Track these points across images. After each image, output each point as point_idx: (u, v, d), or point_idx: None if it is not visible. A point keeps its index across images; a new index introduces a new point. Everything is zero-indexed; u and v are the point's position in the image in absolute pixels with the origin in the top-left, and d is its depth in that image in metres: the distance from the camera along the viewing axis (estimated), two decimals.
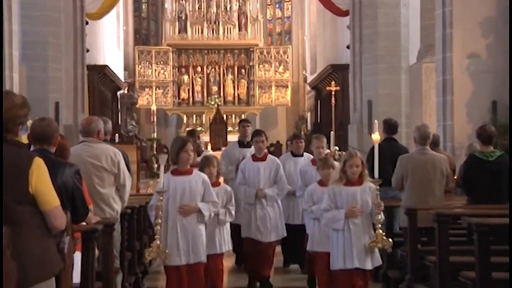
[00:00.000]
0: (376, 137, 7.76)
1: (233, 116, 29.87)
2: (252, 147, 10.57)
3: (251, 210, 9.88)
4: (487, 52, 13.64)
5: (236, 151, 11.36)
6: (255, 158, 10.22)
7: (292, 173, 10.65)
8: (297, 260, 10.99)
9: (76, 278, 5.43)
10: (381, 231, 7.36)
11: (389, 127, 10.76)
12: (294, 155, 11.10)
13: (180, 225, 7.42)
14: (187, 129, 22.33)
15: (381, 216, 7.31)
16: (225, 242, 8.58)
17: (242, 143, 11.41)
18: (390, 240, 7.41)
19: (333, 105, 22.75)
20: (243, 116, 28.88)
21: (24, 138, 6.44)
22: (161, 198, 7.09)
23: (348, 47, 22.18)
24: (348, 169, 7.38)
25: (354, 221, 7.34)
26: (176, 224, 7.40)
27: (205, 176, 7.71)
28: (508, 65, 12.70)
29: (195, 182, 7.47)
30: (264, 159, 10.10)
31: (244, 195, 10.01)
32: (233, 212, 8.56)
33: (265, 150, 10.62)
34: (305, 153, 11.05)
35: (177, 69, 30.97)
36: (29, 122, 6.74)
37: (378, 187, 7.39)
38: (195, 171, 7.66)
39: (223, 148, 17.03)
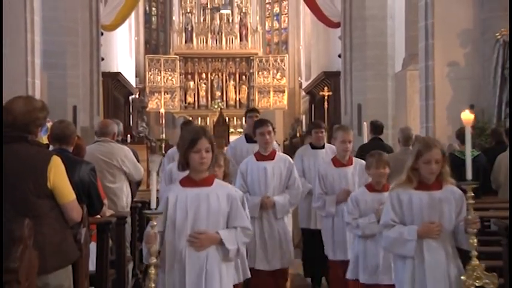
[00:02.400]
0: (467, 116, 5.06)
1: (235, 118, 29.87)
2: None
3: (254, 226, 6.07)
4: (465, 61, 13.66)
5: (243, 147, 8.47)
6: (259, 156, 7.26)
7: (312, 168, 8.28)
8: (319, 272, 8.46)
9: (92, 265, 5.44)
10: (477, 261, 4.63)
11: (376, 128, 10.85)
12: (314, 147, 8.57)
13: (190, 264, 4.45)
14: (183, 119, 21.72)
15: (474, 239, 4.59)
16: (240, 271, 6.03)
17: (250, 138, 8.38)
18: (495, 274, 4.69)
19: (326, 108, 22.76)
20: (243, 120, 28.87)
21: (44, 139, 6.45)
22: (154, 223, 4.30)
23: (339, 55, 22.17)
24: (422, 166, 4.78)
25: (430, 243, 4.69)
26: (184, 262, 4.45)
27: (233, 189, 4.79)
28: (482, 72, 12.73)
29: (215, 198, 4.52)
30: (271, 157, 7.20)
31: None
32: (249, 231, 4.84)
33: (276, 146, 8.32)
34: (327, 145, 8.59)
35: (183, 76, 31.03)
36: (49, 124, 6.75)
37: (472, 194, 4.79)
38: (217, 181, 4.75)
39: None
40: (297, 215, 8.97)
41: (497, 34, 12.86)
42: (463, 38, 13.68)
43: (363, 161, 6.67)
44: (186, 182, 4.59)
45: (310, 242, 8.44)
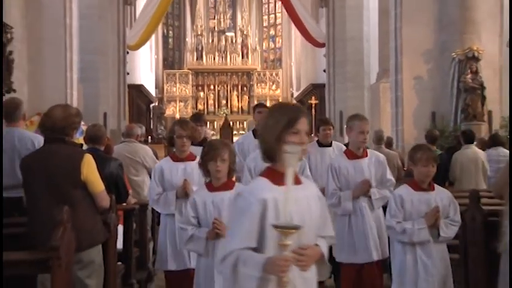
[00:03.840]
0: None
1: (237, 122, 29.78)
2: None
3: None
4: (428, 75, 13.71)
5: (251, 143, 6.69)
6: None
7: (319, 166, 6.82)
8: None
9: (119, 244, 5.46)
10: None
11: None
12: (321, 144, 6.95)
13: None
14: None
15: None
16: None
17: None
18: None
19: (313, 115, 22.74)
20: (245, 123, 28.94)
21: (80, 140, 6.48)
22: (289, 243, 2.46)
23: (324, 70, 22.18)
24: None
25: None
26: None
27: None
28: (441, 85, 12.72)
29: (312, 199, 2.91)
30: None
31: None
32: None
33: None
34: (334, 143, 7.14)
35: (195, 87, 31.07)
36: (84, 127, 6.79)
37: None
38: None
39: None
40: None
41: (453, 54, 12.92)
42: (426, 57, 13.72)
43: (380, 154, 5.54)
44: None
45: None
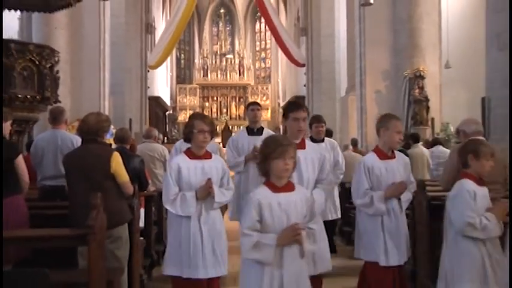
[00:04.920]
0: None
1: (235, 126, 29.80)
2: (264, 134, 5.64)
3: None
4: (385, 90, 13.74)
5: (245, 140, 5.80)
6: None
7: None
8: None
9: (141, 223, 5.45)
10: None
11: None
12: (314, 140, 5.96)
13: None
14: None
15: None
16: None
17: (251, 130, 5.89)
18: None
19: None
20: (241, 127, 28.86)
21: (110, 140, 6.46)
22: None
23: (304, 85, 22.22)
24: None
25: None
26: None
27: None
28: (395, 97, 12.76)
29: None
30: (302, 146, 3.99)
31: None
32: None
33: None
34: (326, 139, 6.32)
35: (201, 99, 31.08)
36: (114, 130, 6.77)
37: None
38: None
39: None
40: None
41: (405, 73, 12.99)
42: (384, 75, 13.76)
43: (404, 156, 4.39)
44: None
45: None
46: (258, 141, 4.56)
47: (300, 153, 3.35)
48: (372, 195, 4.03)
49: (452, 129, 12.05)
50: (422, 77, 12.79)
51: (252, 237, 2.79)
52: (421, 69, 12.79)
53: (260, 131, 5.92)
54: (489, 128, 8.76)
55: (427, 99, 12.71)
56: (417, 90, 12.74)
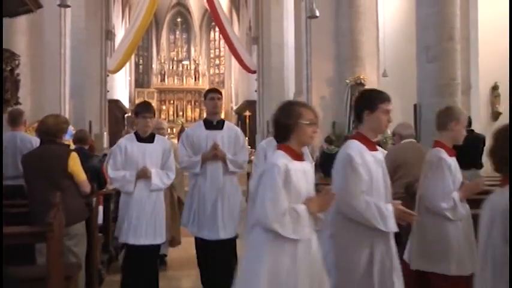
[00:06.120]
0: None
1: None
2: (225, 128, 4.51)
3: None
4: (329, 95, 13.97)
5: (202, 135, 4.46)
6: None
7: None
8: None
9: (100, 220, 5.34)
10: None
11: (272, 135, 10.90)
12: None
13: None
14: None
15: None
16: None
17: (210, 123, 4.52)
18: None
19: (248, 124, 22.86)
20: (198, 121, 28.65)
21: (68, 141, 6.28)
22: None
23: (255, 90, 22.32)
24: None
25: None
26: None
27: None
28: (339, 103, 13.00)
29: None
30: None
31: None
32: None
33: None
34: None
35: (159, 102, 30.65)
36: (74, 131, 6.59)
37: None
38: None
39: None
40: None
41: (347, 80, 13.24)
42: (328, 82, 13.99)
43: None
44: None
45: None
46: (218, 136, 4.40)
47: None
48: (453, 197, 3.20)
49: (389, 132, 12.42)
50: (362, 85, 13.08)
51: (296, 212, 2.28)
52: (361, 77, 13.09)
53: (220, 124, 4.50)
54: (420, 131, 9.10)
55: None
56: None
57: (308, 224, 2.32)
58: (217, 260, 4.33)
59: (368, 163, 2.63)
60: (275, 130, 2.53)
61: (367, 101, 2.81)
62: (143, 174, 4.26)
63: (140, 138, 4.35)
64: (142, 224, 4.26)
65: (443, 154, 3.26)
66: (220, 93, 4.63)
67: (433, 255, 3.23)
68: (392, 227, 2.54)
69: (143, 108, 4.36)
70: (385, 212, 2.53)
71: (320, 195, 2.38)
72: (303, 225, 2.30)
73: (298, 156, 2.45)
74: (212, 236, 4.34)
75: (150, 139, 4.36)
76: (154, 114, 4.47)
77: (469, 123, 6.74)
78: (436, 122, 3.44)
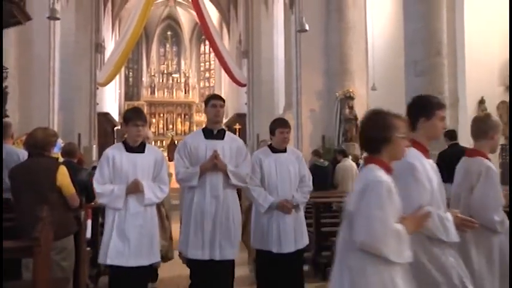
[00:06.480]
0: None
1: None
2: (226, 138, 4.11)
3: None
4: (319, 109, 14.03)
5: (201, 144, 4.05)
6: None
7: (273, 175, 4.30)
8: None
9: (88, 234, 5.28)
10: None
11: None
12: (275, 150, 4.46)
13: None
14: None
15: None
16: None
17: (209, 132, 4.11)
18: None
19: (238, 136, 22.83)
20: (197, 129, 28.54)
21: (57, 154, 6.23)
22: None
23: (245, 103, 22.35)
24: None
25: None
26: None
27: None
28: (328, 116, 13.04)
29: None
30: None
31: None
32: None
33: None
34: (289, 147, 4.58)
35: (149, 115, 30.39)
36: (62, 144, 6.53)
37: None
38: None
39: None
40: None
41: (337, 94, 13.33)
42: (318, 95, 14.07)
43: None
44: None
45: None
46: (218, 146, 3.98)
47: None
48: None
49: None
50: (351, 98, 13.18)
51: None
52: (350, 91, 13.19)
53: (221, 133, 4.09)
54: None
55: (356, 118, 13.09)
56: (347, 110, 13.11)
57: (408, 246, 2.12)
58: (215, 282, 3.88)
59: (428, 171, 2.53)
60: (364, 142, 2.32)
61: (423, 108, 2.74)
62: (135, 188, 3.78)
63: (130, 148, 3.89)
64: (135, 243, 3.75)
65: (490, 163, 3.10)
66: (223, 101, 4.17)
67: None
68: (454, 237, 2.47)
69: (135, 115, 3.88)
70: (446, 222, 2.45)
71: (416, 214, 2.24)
72: (405, 247, 2.11)
73: (390, 171, 2.27)
74: (211, 256, 3.87)
75: (140, 149, 3.90)
76: (146, 122, 4.00)
77: (454, 136, 6.81)
78: (472, 130, 3.26)
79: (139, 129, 3.83)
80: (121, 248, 3.73)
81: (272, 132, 4.52)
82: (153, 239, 3.84)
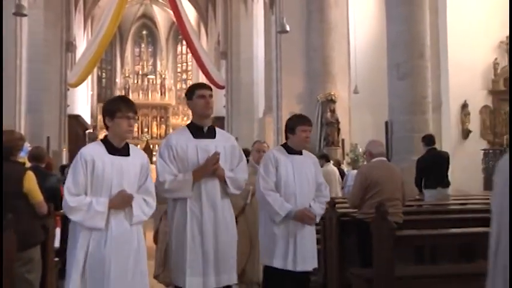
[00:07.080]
0: None
1: (156, 145, 29.28)
2: (218, 137, 3.37)
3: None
4: (300, 112, 13.87)
5: (189, 144, 3.24)
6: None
7: (290, 179, 3.66)
8: None
9: (57, 243, 5.17)
10: None
11: (244, 152, 10.83)
12: (291, 151, 3.84)
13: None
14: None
15: None
16: None
17: (199, 130, 3.33)
18: None
19: None
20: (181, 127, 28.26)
21: (23, 159, 6.11)
22: None
23: (224, 106, 22.31)
24: None
25: None
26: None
27: None
28: (316, 119, 13.17)
29: None
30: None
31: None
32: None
33: None
34: (305, 152, 3.99)
35: None
36: (29, 148, 6.41)
37: None
38: None
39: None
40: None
41: (318, 97, 13.42)
42: (299, 99, 14.13)
43: None
44: None
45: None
46: (211, 147, 3.26)
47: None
48: None
49: (360, 149, 12.58)
50: (333, 101, 13.28)
51: None
52: (332, 94, 13.29)
53: (211, 131, 3.40)
54: (392, 149, 9.25)
55: (337, 122, 13.19)
56: (329, 113, 13.20)
57: None
58: None
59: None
60: None
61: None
62: (122, 203, 2.87)
63: (112, 149, 2.93)
64: (121, 273, 2.82)
65: None
66: (211, 89, 3.50)
67: None
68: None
69: (124, 105, 2.95)
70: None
71: None
72: None
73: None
74: (217, 284, 3.17)
75: (125, 151, 2.97)
76: (137, 114, 3.17)
77: (432, 141, 6.88)
78: None
79: (131, 122, 2.91)
80: (96, 280, 2.78)
81: (292, 130, 3.85)
82: (141, 266, 2.93)
